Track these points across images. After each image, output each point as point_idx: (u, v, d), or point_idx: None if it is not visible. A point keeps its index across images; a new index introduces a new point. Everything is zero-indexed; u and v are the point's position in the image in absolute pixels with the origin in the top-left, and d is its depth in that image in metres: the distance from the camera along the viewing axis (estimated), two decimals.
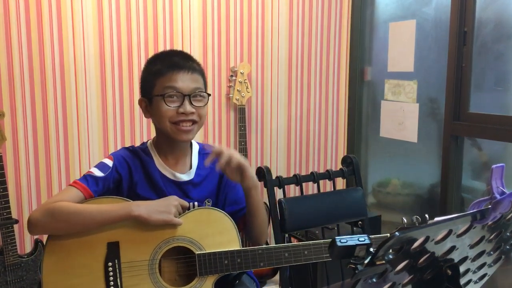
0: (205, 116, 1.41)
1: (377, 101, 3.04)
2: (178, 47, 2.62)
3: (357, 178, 1.95)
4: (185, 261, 1.35)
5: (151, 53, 2.56)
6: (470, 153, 2.57)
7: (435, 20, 2.67)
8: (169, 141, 1.41)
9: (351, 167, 1.95)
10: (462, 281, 0.85)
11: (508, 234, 0.88)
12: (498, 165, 0.80)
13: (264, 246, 1.36)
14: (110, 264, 1.28)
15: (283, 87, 3.01)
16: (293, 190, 2.96)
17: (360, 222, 2.03)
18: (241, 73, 2.73)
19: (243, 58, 2.85)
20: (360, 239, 0.72)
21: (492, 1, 2.39)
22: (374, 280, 0.69)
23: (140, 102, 1.43)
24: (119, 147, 2.55)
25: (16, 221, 2.14)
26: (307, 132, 3.14)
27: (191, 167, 1.45)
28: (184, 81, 1.35)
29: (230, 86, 2.79)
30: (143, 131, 2.61)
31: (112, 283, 1.28)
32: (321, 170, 2.92)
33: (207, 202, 1.46)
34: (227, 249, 1.33)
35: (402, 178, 3.05)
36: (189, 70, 1.37)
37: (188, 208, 1.37)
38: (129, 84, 2.55)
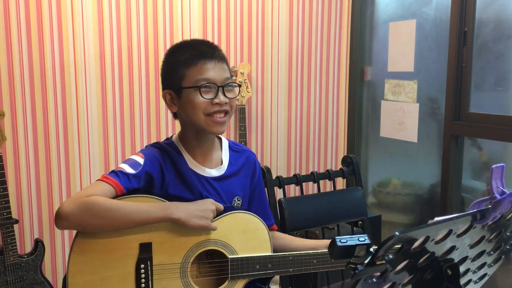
0: (235, 107, 1.36)
1: (377, 101, 3.04)
2: None
3: (357, 178, 1.95)
4: (216, 264, 1.33)
5: (151, 53, 2.57)
6: (470, 153, 2.57)
7: (435, 20, 2.66)
8: (198, 135, 1.36)
9: (351, 167, 1.96)
10: (462, 281, 0.85)
11: (508, 234, 0.88)
12: (498, 165, 0.80)
13: (294, 252, 1.36)
14: (142, 266, 1.23)
15: (283, 87, 3.01)
16: (293, 190, 2.96)
17: (360, 222, 2.04)
18: (241, 73, 2.73)
19: (243, 58, 2.85)
20: (360, 239, 0.72)
21: (492, 1, 2.39)
22: (374, 280, 0.69)
23: (164, 95, 1.35)
24: (119, 147, 2.56)
25: (16, 221, 2.14)
26: (307, 132, 3.14)
27: (221, 163, 1.41)
28: (216, 71, 1.30)
29: None
30: (143, 131, 2.61)
31: (143, 285, 1.24)
32: (321, 170, 2.92)
33: (236, 200, 1.42)
34: (259, 254, 1.33)
35: (402, 178, 3.05)
36: (218, 60, 1.32)
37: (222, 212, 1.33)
38: (129, 84, 2.54)
